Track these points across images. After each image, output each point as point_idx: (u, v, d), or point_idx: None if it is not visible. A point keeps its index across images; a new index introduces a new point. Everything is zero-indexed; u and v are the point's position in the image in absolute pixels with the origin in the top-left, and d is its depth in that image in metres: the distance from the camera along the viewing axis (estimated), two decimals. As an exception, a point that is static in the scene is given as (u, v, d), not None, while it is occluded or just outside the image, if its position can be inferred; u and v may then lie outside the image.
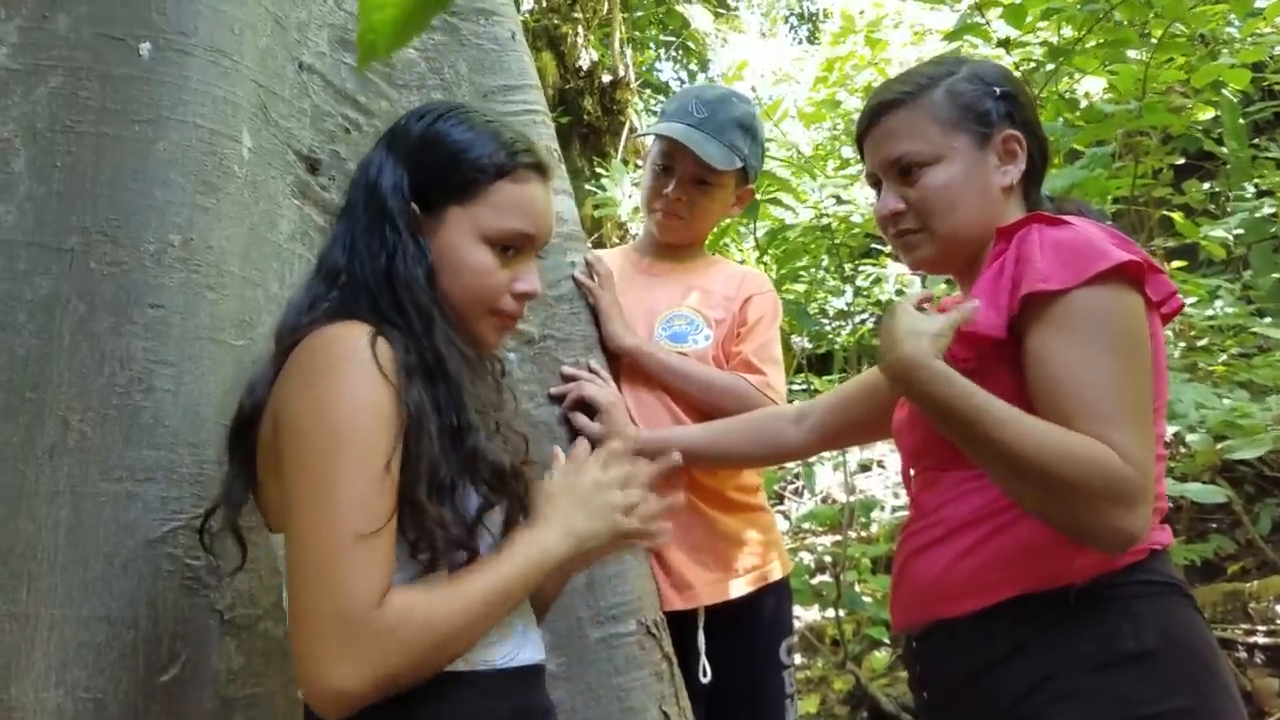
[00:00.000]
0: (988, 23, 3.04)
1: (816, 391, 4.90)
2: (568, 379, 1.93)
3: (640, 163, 2.24)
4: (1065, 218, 1.42)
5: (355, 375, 1.21)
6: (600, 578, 1.83)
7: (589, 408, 1.92)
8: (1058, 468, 1.25)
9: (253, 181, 1.59)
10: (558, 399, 1.92)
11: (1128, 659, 1.30)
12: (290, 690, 1.49)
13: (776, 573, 2.13)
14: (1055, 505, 1.28)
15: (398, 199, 1.35)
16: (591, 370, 1.96)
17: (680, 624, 1.99)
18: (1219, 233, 4.31)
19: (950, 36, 3.15)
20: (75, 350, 1.41)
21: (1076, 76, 3.62)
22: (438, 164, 1.37)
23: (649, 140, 2.22)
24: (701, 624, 2.02)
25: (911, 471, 1.61)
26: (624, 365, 2.05)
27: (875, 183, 1.61)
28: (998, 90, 1.53)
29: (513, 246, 1.40)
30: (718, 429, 1.98)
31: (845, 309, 5.34)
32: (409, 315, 1.30)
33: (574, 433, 1.91)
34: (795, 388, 5.34)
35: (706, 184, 2.14)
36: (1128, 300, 1.34)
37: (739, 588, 2.05)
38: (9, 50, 1.47)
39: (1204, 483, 3.34)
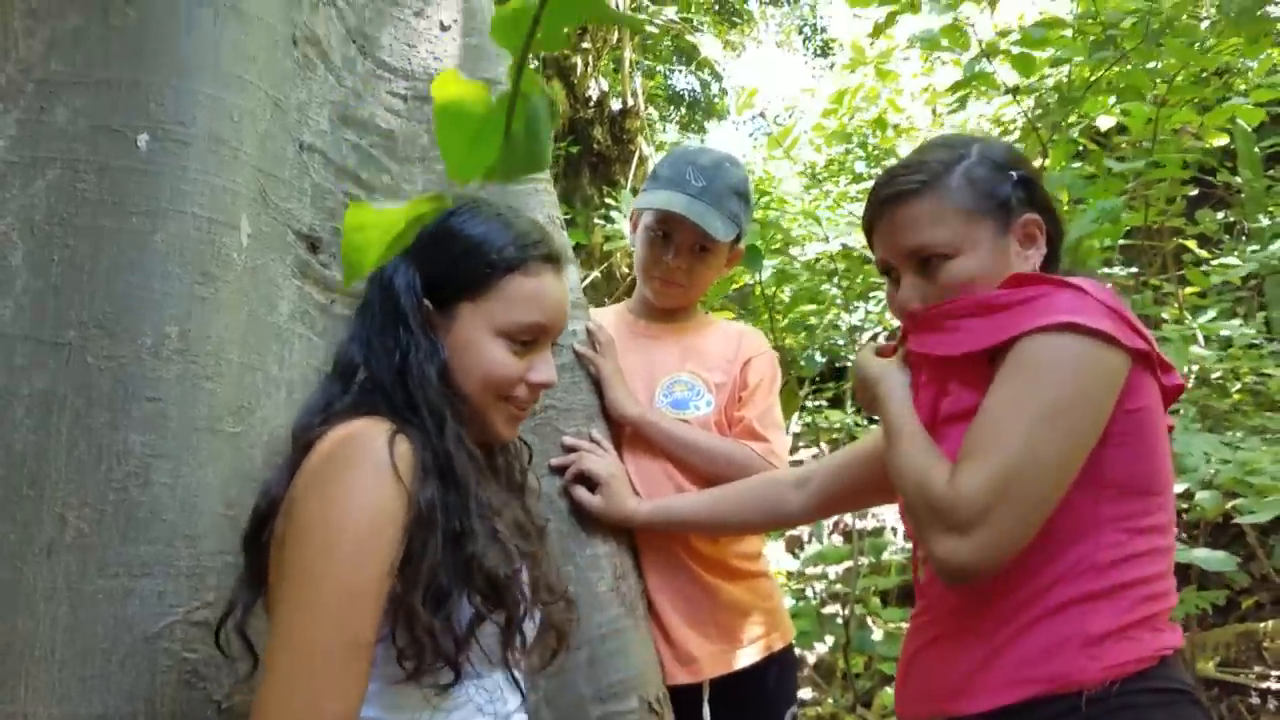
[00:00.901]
0: (994, 71, 3.02)
1: (826, 408, 4.88)
2: (569, 450, 1.93)
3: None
4: (1074, 281, 1.42)
5: (367, 476, 1.22)
6: (602, 654, 1.82)
7: (590, 480, 1.91)
8: (901, 485, 1.42)
9: (252, 267, 1.59)
10: (558, 471, 1.91)
11: None
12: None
13: (779, 642, 2.12)
14: (911, 522, 1.43)
15: (410, 297, 1.37)
16: (593, 440, 1.95)
17: (684, 697, 1.98)
18: (1232, 259, 4.28)
19: (958, 87, 3.13)
20: (73, 446, 1.41)
21: (1088, 115, 3.58)
22: (450, 260, 1.39)
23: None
24: (706, 697, 2.01)
25: (921, 555, 1.60)
26: (627, 434, 2.05)
27: (886, 269, 1.59)
28: (1014, 175, 1.52)
29: (526, 339, 1.41)
30: (718, 496, 1.97)
31: (858, 325, 5.32)
32: (421, 413, 1.32)
33: (575, 505, 1.90)
34: (809, 403, 5.33)
35: (705, 251, 2.14)
36: (1091, 353, 1.34)
37: (743, 658, 2.04)
38: (7, 143, 1.47)
39: (1216, 523, 3.31)
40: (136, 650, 1.40)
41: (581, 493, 1.90)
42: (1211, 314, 4.19)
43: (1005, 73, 3.11)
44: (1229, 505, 2.52)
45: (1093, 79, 2.97)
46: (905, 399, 1.51)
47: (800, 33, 14.07)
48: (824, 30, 13.33)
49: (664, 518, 1.95)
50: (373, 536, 1.20)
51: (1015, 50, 2.88)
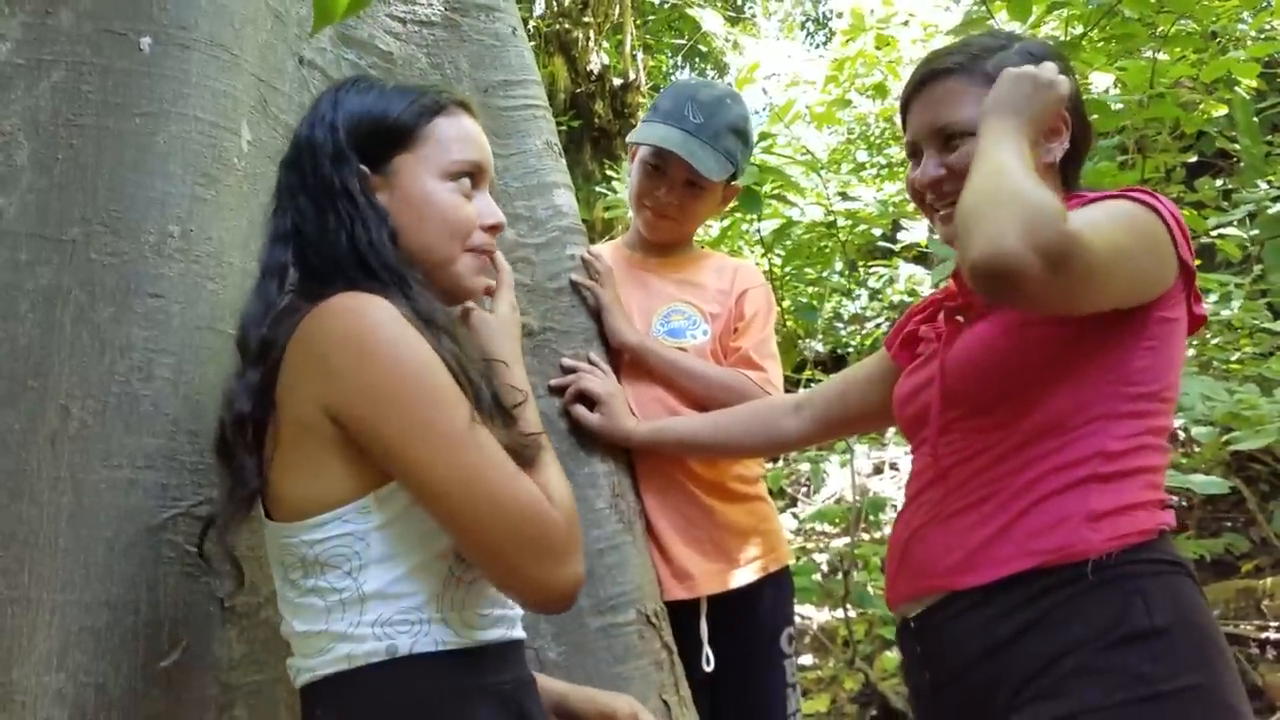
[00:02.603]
0: (993, 17, 3.04)
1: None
2: (567, 371, 1.95)
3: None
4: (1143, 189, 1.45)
5: (403, 333, 1.23)
6: (599, 567, 1.84)
7: (588, 400, 1.93)
8: (1001, 180, 1.27)
9: (252, 174, 1.61)
10: (558, 391, 1.93)
11: (1140, 636, 1.32)
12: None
13: (777, 563, 2.14)
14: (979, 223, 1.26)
15: (342, 168, 1.34)
16: (591, 362, 1.97)
17: (682, 613, 2.00)
18: (1232, 230, 4.28)
19: (955, 32, 3.14)
20: (76, 339, 1.43)
21: (1087, 75, 3.61)
22: (371, 121, 1.37)
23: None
24: (704, 613, 2.03)
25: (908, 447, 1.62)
26: (624, 361, 2.07)
27: (914, 152, 1.60)
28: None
29: (467, 177, 1.40)
30: (715, 419, 2.00)
31: (859, 313, 5.33)
32: (383, 280, 1.30)
33: (574, 424, 1.92)
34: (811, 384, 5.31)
35: (697, 187, 2.14)
36: (1165, 236, 1.37)
37: (740, 578, 2.06)
38: (12, 45, 1.49)
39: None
40: (139, 540, 1.42)
41: (581, 410, 1.92)
42: (1214, 297, 4.21)
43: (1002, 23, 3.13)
44: (1223, 439, 2.54)
45: (1087, 29, 2.98)
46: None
47: (803, 27, 14.08)
48: (827, 22, 13.33)
49: (661, 438, 1.97)
50: (443, 373, 1.23)
51: (1011, -5, 2.90)
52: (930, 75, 1.56)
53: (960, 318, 1.53)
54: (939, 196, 1.54)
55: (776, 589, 2.13)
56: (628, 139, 2.20)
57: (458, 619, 1.28)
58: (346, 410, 1.23)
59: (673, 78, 11.12)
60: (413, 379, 1.22)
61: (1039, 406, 1.41)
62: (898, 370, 1.74)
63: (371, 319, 1.23)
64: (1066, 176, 1.56)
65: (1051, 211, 1.23)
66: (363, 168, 1.35)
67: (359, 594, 1.25)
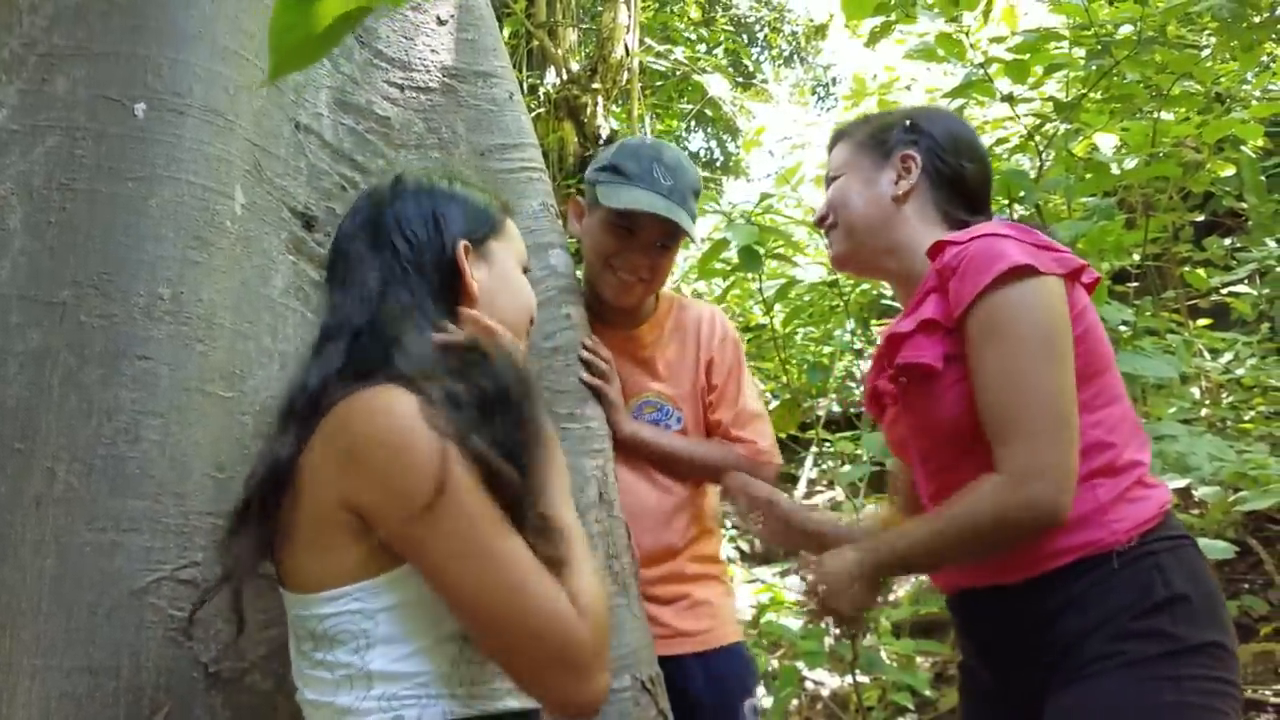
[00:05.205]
0: (990, 80, 3.06)
1: (839, 454, 4.85)
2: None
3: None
4: (970, 230, 1.65)
5: (424, 430, 1.24)
6: (594, 632, 1.81)
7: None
8: (971, 534, 1.56)
9: (245, 237, 1.62)
10: None
11: (1163, 604, 1.52)
12: (277, 746, 1.48)
13: (726, 638, 2.14)
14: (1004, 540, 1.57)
15: (450, 243, 1.42)
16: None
17: None
18: (1244, 288, 4.27)
19: (954, 94, 3.17)
20: (64, 401, 1.43)
21: (1091, 133, 3.63)
22: (474, 207, 1.47)
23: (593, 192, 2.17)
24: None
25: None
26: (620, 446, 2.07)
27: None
28: (908, 123, 1.84)
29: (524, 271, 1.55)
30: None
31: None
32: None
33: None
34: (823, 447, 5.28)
35: (666, 248, 2.13)
36: (1032, 288, 1.56)
37: (682, 647, 2.06)
38: (9, 112, 1.52)
39: (1228, 540, 3.27)
40: (122, 604, 1.40)
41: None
42: (1227, 356, 4.18)
43: (1003, 86, 3.15)
44: (1231, 500, 2.50)
45: (1085, 90, 3.00)
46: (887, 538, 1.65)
47: (814, 92, 14.22)
48: (836, 83, 13.46)
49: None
50: (468, 473, 1.22)
51: (1009, 57, 2.92)
52: (834, 137, 1.94)
53: (904, 379, 1.69)
54: (825, 231, 1.88)
55: (727, 662, 2.12)
56: (602, 201, 2.10)
57: (466, 693, 1.25)
58: (371, 507, 1.21)
59: (686, 137, 11.23)
60: (442, 482, 1.19)
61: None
62: None
63: (399, 412, 1.22)
64: (947, 211, 1.78)
65: (1018, 491, 1.52)
66: (465, 243, 1.43)
67: (365, 672, 1.23)
